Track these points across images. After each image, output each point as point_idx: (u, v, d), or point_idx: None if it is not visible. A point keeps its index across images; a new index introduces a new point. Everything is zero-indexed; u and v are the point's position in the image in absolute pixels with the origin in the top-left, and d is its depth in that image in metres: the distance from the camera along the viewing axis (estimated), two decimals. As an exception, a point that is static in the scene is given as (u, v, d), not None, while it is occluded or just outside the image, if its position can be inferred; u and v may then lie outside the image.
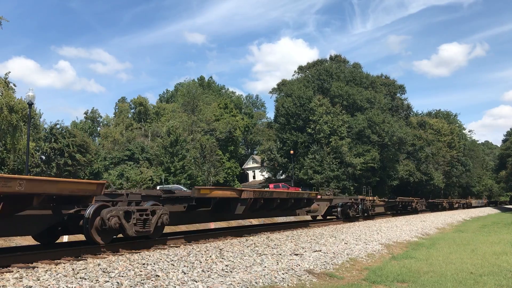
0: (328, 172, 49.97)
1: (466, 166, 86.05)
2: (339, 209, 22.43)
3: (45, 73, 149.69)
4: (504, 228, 24.15)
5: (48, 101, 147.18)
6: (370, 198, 27.33)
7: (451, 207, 55.82)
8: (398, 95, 73.81)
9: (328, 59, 71.30)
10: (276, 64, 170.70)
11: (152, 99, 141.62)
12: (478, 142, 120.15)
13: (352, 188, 50.69)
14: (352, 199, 23.97)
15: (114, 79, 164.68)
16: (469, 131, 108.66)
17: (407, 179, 63.08)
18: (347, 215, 23.18)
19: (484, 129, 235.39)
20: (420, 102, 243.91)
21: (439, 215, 37.72)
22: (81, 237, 17.31)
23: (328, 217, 23.94)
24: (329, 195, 24.04)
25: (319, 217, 24.21)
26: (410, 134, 63.49)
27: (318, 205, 20.64)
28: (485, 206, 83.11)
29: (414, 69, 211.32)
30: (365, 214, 25.90)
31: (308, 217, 25.11)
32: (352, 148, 52.47)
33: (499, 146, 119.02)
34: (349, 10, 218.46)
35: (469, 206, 67.84)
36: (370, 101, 58.09)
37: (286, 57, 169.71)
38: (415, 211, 38.34)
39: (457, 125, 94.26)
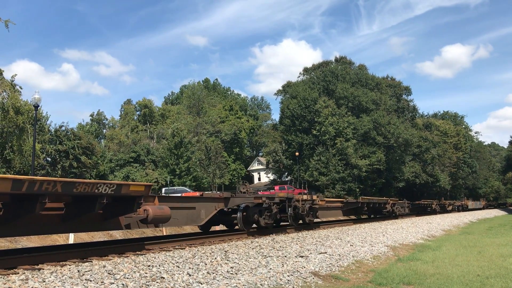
0: (334, 174, 49.86)
1: (472, 168, 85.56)
2: (239, 214, 14.57)
3: (49, 76, 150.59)
4: (511, 230, 24.01)
5: (53, 104, 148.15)
6: (305, 197, 18.73)
7: (443, 210, 49.69)
8: (404, 96, 73.59)
9: (333, 60, 71.25)
10: (278, 66, 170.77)
11: (156, 102, 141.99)
12: (484, 144, 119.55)
13: (357, 190, 50.55)
14: (264, 199, 15.60)
15: (117, 81, 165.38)
16: (475, 133, 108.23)
17: (413, 180, 62.78)
18: (254, 224, 15.48)
19: (489, 130, 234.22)
20: (424, 104, 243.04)
21: (437, 218, 37.42)
22: (85, 237, 17.43)
23: (236, 228, 16.12)
24: (244, 191, 16.51)
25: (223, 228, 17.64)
26: (416, 136, 63.24)
27: (196, 207, 12.89)
28: (483, 208, 75.04)
29: (417, 71, 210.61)
30: (300, 222, 18.48)
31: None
32: (357, 149, 52.31)
33: (506, 147, 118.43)
34: (355, 11, 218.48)
35: (465, 208, 61.17)
36: (376, 103, 57.93)
37: (288, 59, 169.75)
38: (392, 216, 30.97)
39: (463, 126, 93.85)
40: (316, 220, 21.09)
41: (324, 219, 25.17)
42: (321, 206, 21.07)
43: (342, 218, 27.89)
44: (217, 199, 14.15)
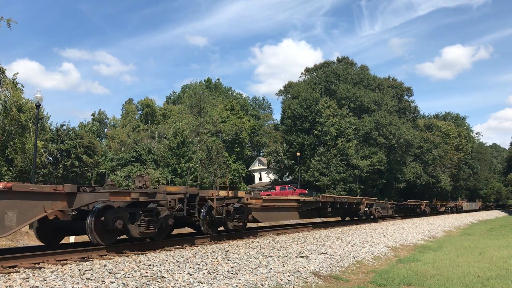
0: (335, 174, 49.83)
1: (473, 169, 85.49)
2: (89, 219, 9.63)
3: (50, 75, 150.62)
4: (512, 231, 23.98)
5: (54, 103, 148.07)
6: (223, 193, 13.89)
7: (434, 211, 45.32)
8: (405, 97, 73.58)
9: (335, 61, 71.22)
10: (279, 66, 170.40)
11: (156, 101, 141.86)
12: (486, 145, 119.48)
13: (359, 190, 50.51)
14: (135, 196, 10.31)
15: (118, 81, 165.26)
16: (476, 134, 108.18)
17: (414, 181, 62.72)
18: (124, 235, 10.70)
19: (489, 132, 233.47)
20: (424, 105, 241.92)
21: (437, 219, 37.28)
22: (86, 237, 17.46)
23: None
24: (140, 185, 11.66)
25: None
26: (417, 137, 63.19)
27: None
28: (479, 210, 70.46)
29: (417, 72, 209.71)
30: (219, 229, 14.05)
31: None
32: (359, 150, 52.30)
33: (507, 148, 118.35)
34: (357, 12, 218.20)
35: (459, 210, 56.96)
36: (377, 103, 57.91)
37: (289, 59, 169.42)
38: (370, 219, 26.57)
39: (464, 127, 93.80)
40: (259, 224, 17.88)
41: (274, 223, 21.22)
42: (265, 207, 16.36)
43: (299, 221, 23.63)
44: (48, 195, 9.31)
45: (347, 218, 26.18)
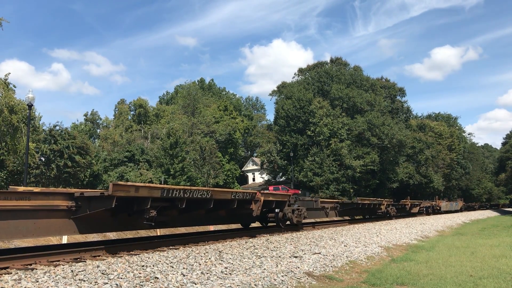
0: (328, 174, 49.96)
1: (465, 169, 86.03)
2: None
3: (40, 75, 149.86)
4: (503, 231, 24.16)
5: (44, 104, 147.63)
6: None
7: (403, 213, 36.60)
8: (398, 97, 73.98)
9: (328, 61, 71.44)
10: (270, 67, 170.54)
11: (149, 101, 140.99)
12: (477, 145, 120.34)
13: (351, 190, 50.65)
14: None
15: (109, 81, 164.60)
16: (468, 134, 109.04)
17: (407, 181, 62.98)
18: None
19: (479, 132, 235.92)
20: (415, 106, 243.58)
21: (430, 219, 37.35)
22: (79, 238, 17.34)
23: None
24: None
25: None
26: (410, 137, 63.48)
27: None
28: (460, 210, 62.39)
29: (406, 73, 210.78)
30: None
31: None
32: (351, 150, 52.47)
33: (499, 149, 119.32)
34: (351, 13, 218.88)
35: (436, 211, 48.22)
36: (370, 104, 58.14)
37: (279, 60, 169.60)
38: (286, 225, 16.20)
39: (457, 128, 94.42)
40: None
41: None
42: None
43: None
44: None
45: (255, 225, 17.57)
